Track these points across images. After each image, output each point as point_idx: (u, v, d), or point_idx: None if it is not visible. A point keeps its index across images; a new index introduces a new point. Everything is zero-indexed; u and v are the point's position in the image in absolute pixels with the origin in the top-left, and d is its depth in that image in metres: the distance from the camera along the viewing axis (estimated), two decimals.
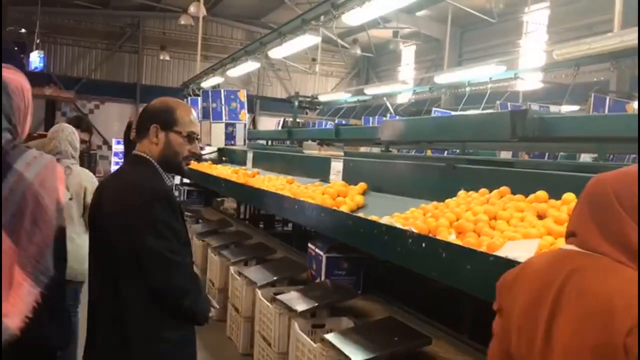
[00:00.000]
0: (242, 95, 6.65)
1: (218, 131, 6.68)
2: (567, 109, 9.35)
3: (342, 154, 4.99)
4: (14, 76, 1.72)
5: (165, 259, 1.87)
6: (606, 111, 6.63)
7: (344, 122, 12.60)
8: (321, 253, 3.76)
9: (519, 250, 2.25)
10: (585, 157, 6.17)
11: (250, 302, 4.00)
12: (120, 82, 20.26)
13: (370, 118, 13.99)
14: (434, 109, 12.03)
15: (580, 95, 10.82)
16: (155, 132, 2.03)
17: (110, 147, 18.66)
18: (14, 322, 1.46)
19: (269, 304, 3.55)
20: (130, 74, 20.58)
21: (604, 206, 1.25)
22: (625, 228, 1.21)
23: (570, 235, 1.29)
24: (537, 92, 13.17)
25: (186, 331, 2.00)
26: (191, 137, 2.07)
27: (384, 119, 12.77)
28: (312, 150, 5.27)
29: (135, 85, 20.40)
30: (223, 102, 6.54)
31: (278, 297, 3.43)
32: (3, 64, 1.73)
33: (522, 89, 12.92)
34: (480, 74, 8.51)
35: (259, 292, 3.76)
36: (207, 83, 10.66)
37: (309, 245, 4.01)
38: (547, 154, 7.03)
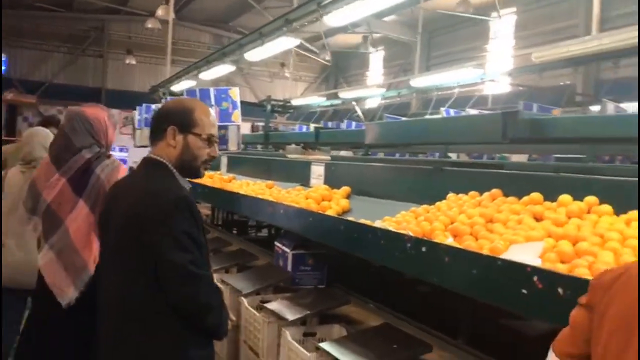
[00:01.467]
0: (235, 94, 5.95)
1: None
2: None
3: (328, 157, 4.88)
4: (90, 109, 2.75)
5: (188, 272, 1.75)
6: None
7: (304, 128, 12.53)
8: (287, 250, 3.94)
9: (524, 253, 2.21)
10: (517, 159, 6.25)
11: (234, 311, 3.87)
12: (85, 86, 19.83)
13: (329, 123, 13.97)
14: (385, 114, 12.05)
15: (546, 99, 11.02)
16: (172, 135, 1.91)
17: None
18: (92, 267, 2.49)
19: (256, 312, 3.43)
20: (94, 78, 20.16)
21: None
22: None
23: None
24: (504, 96, 13.37)
25: (209, 348, 1.88)
26: (211, 140, 1.95)
27: (341, 123, 12.74)
28: (296, 154, 5.11)
29: (100, 89, 19.97)
30: (213, 102, 5.78)
31: (266, 305, 3.32)
32: (86, 104, 2.81)
33: (491, 92, 13.10)
34: (455, 77, 8.56)
35: (244, 300, 3.64)
36: (178, 87, 10.47)
37: (276, 243, 4.17)
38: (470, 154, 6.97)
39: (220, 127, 5.93)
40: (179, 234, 1.74)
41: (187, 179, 1.97)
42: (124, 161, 15.07)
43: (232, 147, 5.81)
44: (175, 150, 1.91)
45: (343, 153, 6.47)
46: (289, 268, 3.89)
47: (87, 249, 2.51)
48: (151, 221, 1.75)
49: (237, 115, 5.93)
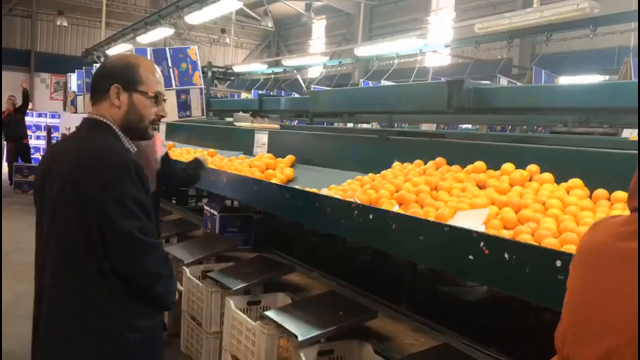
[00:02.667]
0: (193, 53, 5.31)
1: (168, 101, 5.65)
2: None
3: (277, 126, 4.76)
4: None
5: (136, 240, 1.64)
6: None
7: (235, 96, 12.25)
8: (215, 213, 4.16)
9: (470, 220, 2.24)
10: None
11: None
12: (12, 48, 18.70)
13: (259, 91, 13.71)
14: (313, 85, 11.97)
15: (484, 72, 11.25)
16: (116, 93, 1.76)
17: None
18: None
19: (198, 282, 3.37)
20: (23, 40, 19.07)
21: None
22: None
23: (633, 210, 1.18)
24: (445, 69, 13.56)
25: (157, 318, 1.79)
26: (158, 98, 1.82)
27: (274, 92, 12.51)
28: (244, 122, 4.94)
29: (29, 52, 18.94)
30: (170, 63, 5.18)
31: (210, 274, 3.26)
32: None
33: (432, 64, 13.24)
34: (398, 47, 8.57)
35: (186, 270, 3.57)
36: (113, 50, 10.03)
37: (205, 207, 4.40)
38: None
39: (180, 92, 5.29)
40: (126, 200, 1.63)
41: (133, 142, 1.85)
42: (56, 128, 14.41)
43: (196, 112, 5.30)
44: (120, 111, 1.77)
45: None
46: (217, 230, 4.10)
47: None
48: (96, 186, 1.62)
49: (198, 76, 5.36)
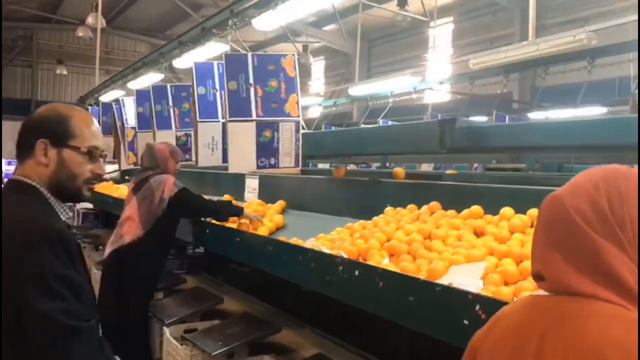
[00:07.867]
0: (291, 64, 3.46)
1: (243, 141, 3.42)
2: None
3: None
4: (158, 145, 3.93)
5: (59, 325, 1.35)
6: None
7: None
8: None
9: (465, 275, 2.00)
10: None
11: (156, 342, 3.53)
12: (13, 97, 18.84)
13: None
14: (322, 124, 11.87)
15: (484, 107, 11.11)
16: (43, 150, 1.53)
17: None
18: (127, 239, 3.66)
19: (178, 344, 3.12)
20: (23, 89, 19.24)
21: (568, 232, 0.98)
22: (603, 255, 0.95)
23: (537, 278, 1.03)
24: (444, 105, 13.46)
25: None
26: (93, 154, 1.59)
27: None
28: None
29: (29, 101, 19.04)
30: (251, 78, 3.40)
31: (188, 337, 3.02)
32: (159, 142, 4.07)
33: (431, 101, 13.15)
34: (394, 85, 8.48)
35: (166, 330, 3.32)
36: (107, 97, 9.99)
37: None
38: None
39: (263, 126, 3.50)
40: (47, 276, 1.36)
41: (68, 204, 1.63)
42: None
43: (286, 161, 3.62)
44: (48, 169, 1.53)
45: None
46: None
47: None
48: (12, 262, 1.37)
49: (293, 102, 3.52)
